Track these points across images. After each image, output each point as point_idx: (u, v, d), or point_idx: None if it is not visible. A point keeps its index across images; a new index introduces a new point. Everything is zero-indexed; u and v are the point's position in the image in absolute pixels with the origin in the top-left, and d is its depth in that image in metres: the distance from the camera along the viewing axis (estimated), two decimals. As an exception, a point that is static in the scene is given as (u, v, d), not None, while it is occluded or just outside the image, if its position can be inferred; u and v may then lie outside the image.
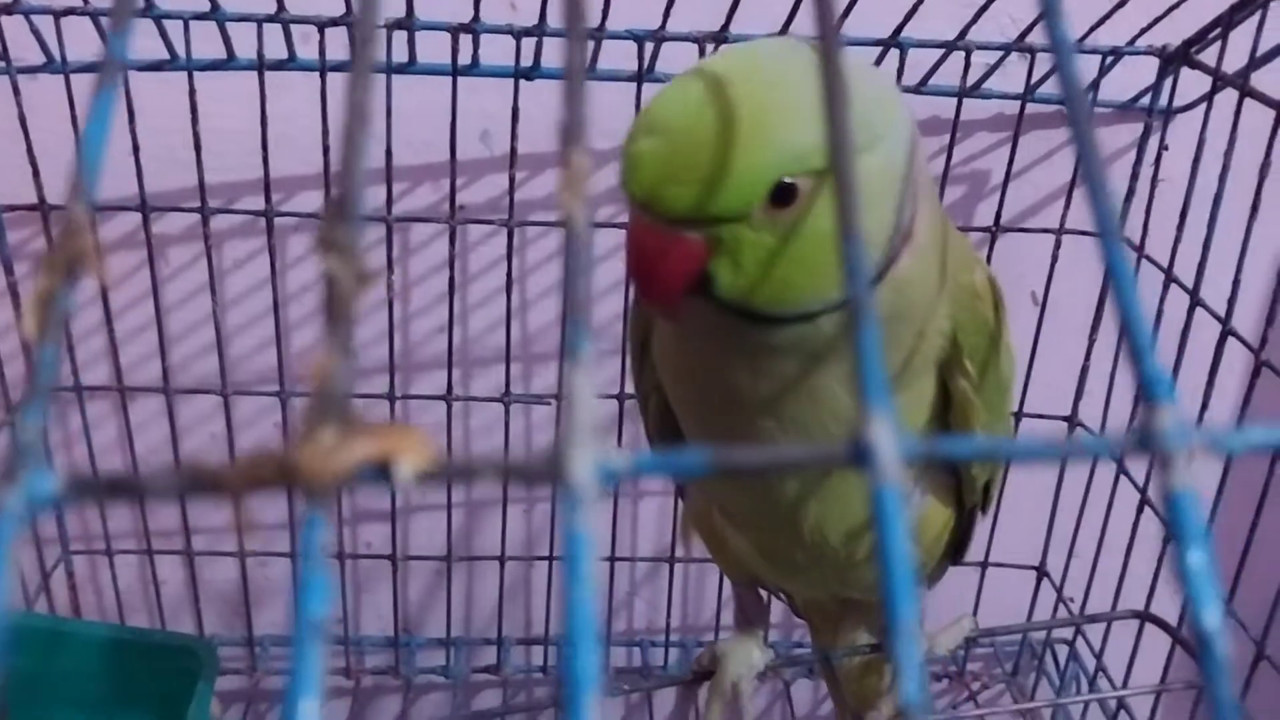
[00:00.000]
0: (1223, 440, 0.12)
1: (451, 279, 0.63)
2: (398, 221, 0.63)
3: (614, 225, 0.61)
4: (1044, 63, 0.60)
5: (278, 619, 0.74)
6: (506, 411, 0.66)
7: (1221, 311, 0.55)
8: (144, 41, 0.58)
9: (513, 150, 0.61)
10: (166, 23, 0.56)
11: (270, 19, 0.56)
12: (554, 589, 0.72)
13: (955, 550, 0.50)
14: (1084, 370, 0.67)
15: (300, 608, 0.10)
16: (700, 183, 0.33)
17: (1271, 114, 0.52)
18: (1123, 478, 0.65)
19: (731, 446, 0.44)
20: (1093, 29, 0.57)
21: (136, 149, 0.59)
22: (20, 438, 0.11)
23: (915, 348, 0.40)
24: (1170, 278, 0.60)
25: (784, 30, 0.56)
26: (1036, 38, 0.59)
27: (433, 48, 0.58)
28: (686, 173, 0.33)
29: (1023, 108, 0.62)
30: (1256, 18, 0.53)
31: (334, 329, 0.12)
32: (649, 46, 0.58)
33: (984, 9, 0.57)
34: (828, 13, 0.16)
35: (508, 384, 0.66)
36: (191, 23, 0.56)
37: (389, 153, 0.61)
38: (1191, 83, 0.60)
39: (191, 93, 0.58)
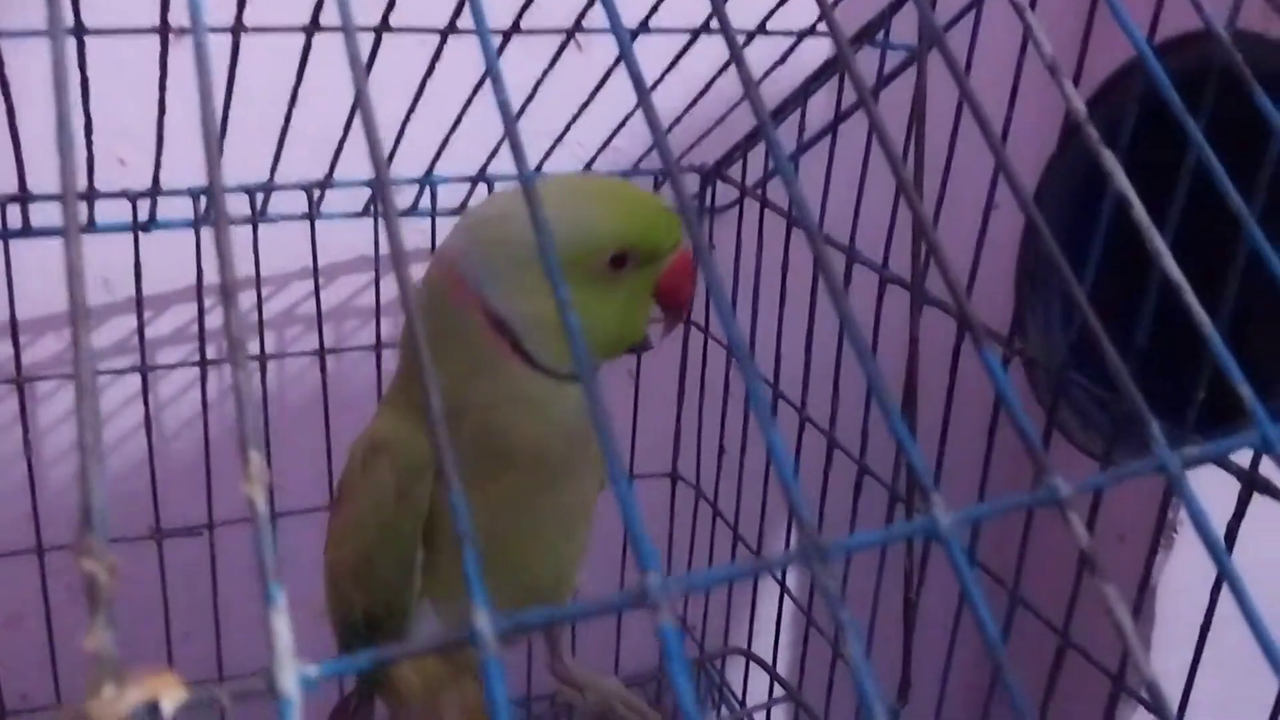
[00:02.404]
0: (692, 583, 0.20)
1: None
2: (27, 381, 0.64)
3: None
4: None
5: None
6: (160, 546, 0.69)
7: (773, 381, 0.67)
8: None
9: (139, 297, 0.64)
10: None
11: None
12: None
13: None
14: (677, 432, 0.79)
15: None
16: None
17: (783, 221, 0.65)
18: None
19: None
20: (645, 155, 0.69)
21: None
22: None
23: None
24: (731, 354, 0.72)
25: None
26: (601, 165, 0.69)
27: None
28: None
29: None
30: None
31: (98, 612, 0.18)
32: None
33: (559, 140, 0.66)
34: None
35: (157, 519, 0.69)
36: None
37: (14, 316, 0.63)
38: (729, 192, 0.73)
39: None
